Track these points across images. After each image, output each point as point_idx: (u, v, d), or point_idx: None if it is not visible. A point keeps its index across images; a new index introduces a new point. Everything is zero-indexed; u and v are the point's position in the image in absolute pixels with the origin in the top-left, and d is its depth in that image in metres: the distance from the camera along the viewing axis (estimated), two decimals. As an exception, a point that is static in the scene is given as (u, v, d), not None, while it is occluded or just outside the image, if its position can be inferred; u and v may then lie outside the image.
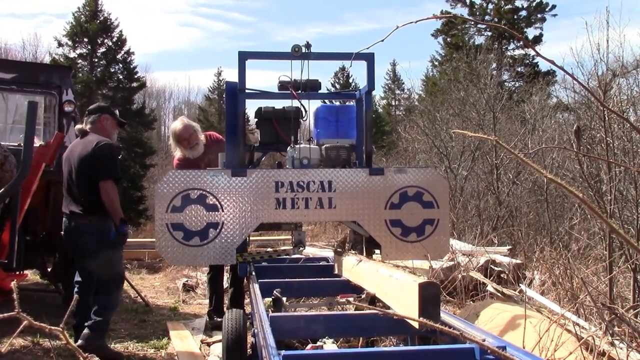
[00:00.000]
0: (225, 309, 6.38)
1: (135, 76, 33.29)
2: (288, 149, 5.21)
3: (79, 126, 5.68)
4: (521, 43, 29.98)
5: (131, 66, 32.80)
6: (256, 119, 5.59)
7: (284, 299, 4.37)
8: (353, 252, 4.89)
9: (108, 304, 5.22)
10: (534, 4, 32.41)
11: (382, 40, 2.42)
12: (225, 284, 7.00)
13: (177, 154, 6.52)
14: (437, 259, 5.40)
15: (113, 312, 5.41)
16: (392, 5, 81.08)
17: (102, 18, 31.98)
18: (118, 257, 5.41)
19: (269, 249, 7.13)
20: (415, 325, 2.67)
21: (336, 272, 4.90)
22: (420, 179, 4.93)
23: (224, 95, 5.39)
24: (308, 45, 5.09)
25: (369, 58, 5.15)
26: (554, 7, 32.39)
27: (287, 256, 5.59)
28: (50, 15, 77.55)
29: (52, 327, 1.57)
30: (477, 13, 32.68)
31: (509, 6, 32.56)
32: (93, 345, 5.00)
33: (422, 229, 4.93)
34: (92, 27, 31.25)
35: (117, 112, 5.84)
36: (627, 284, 6.13)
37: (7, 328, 5.47)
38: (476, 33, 32.19)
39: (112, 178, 5.19)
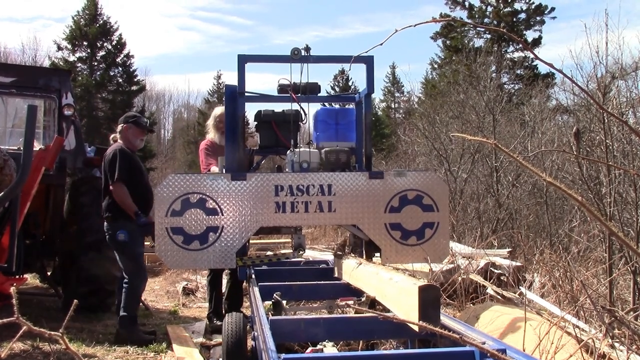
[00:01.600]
0: (224, 312, 6.38)
1: (135, 79, 33.31)
2: (288, 152, 5.21)
3: (112, 135, 6.44)
4: (520, 46, 29.99)
5: (131, 69, 32.82)
6: (256, 122, 5.60)
7: (284, 302, 4.37)
8: (353, 255, 4.89)
9: (126, 298, 5.89)
10: (533, 6, 32.48)
11: (381, 44, 2.42)
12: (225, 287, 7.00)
13: (209, 136, 6.75)
14: (437, 262, 5.39)
15: (134, 303, 6.00)
16: (390, 9, 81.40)
17: (101, 21, 32.01)
18: (129, 255, 5.95)
19: (269, 253, 7.13)
20: (416, 328, 2.67)
21: (336, 275, 4.90)
22: (420, 182, 4.93)
23: (223, 99, 5.39)
24: (307, 49, 5.09)
25: (369, 61, 5.16)
26: (553, 9, 32.49)
27: (287, 259, 5.59)
28: (48, 19, 77.76)
29: (52, 332, 1.57)
30: (476, 16, 32.74)
31: (508, 9, 32.63)
32: (123, 339, 5.81)
33: (422, 232, 4.93)
34: (91, 30, 31.26)
35: (143, 119, 6.36)
36: (627, 286, 6.13)
37: (7, 332, 5.47)
38: (475, 36, 32.24)
39: (115, 180, 5.80)
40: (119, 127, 6.20)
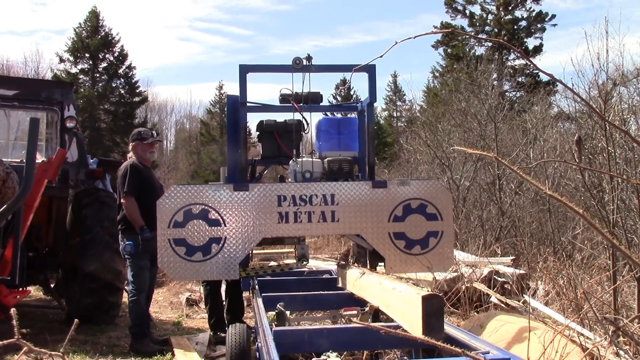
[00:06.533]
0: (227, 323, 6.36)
1: (137, 90, 33.34)
2: (290, 162, 5.21)
3: (128, 154, 6.54)
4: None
5: (133, 81, 32.86)
6: (258, 132, 5.60)
7: (288, 312, 4.37)
8: (356, 265, 4.89)
9: (131, 309, 6.05)
10: (533, 14, 32.51)
11: (381, 56, 2.43)
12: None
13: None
14: (441, 271, 5.38)
15: (133, 313, 6.04)
16: (388, 18, 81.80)
17: (103, 33, 32.09)
18: (132, 267, 6.02)
19: (272, 263, 7.12)
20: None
21: (340, 285, 4.89)
22: (423, 191, 4.92)
23: (225, 109, 5.40)
24: (309, 58, 5.10)
25: (371, 70, 5.17)
26: (553, 16, 32.49)
27: (291, 270, 5.58)
28: (48, 32, 78.21)
29: (53, 352, 1.56)
30: (477, 24, 32.79)
31: (509, 17, 32.66)
32: (133, 349, 5.97)
33: (426, 241, 4.91)
34: (93, 42, 31.35)
35: (147, 133, 6.47)
36: (631, 294, 6.10)
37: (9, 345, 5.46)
38: (476, 44, 32.27)
39: (125, 194, 5.92)
40: (130, 146, 6.40)
